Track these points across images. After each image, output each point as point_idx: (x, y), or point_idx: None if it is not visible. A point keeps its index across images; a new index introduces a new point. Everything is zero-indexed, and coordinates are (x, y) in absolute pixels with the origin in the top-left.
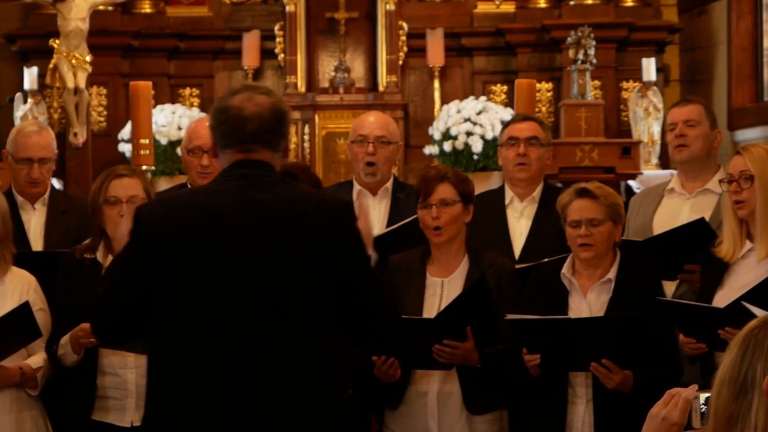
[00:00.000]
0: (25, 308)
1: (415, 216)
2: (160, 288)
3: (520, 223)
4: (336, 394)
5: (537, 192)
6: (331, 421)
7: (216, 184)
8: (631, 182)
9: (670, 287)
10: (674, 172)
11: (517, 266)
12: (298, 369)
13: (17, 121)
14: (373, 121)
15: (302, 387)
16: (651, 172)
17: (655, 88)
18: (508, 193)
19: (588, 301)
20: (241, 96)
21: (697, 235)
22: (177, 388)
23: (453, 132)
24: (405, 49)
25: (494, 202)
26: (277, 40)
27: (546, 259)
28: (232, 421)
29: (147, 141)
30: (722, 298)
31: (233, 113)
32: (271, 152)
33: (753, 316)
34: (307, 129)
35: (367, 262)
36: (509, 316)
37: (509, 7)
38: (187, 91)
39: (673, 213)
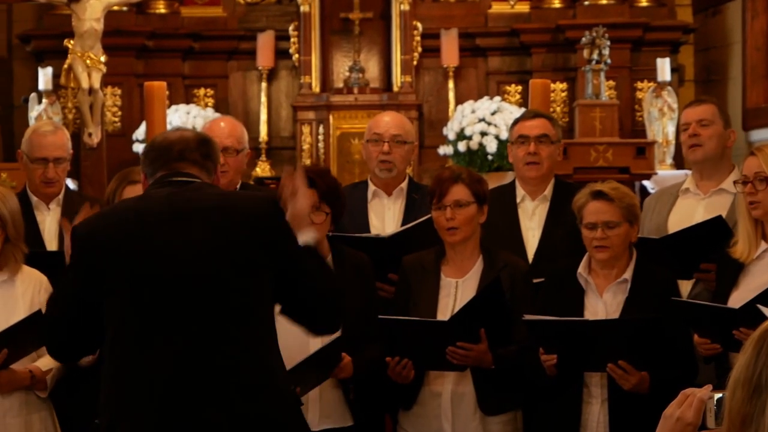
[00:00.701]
0: (37, 315)
1: (428, 216)
2: (103, 299)
3: (532, 223)
4: (280, 389)
5: (548, 190)
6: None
7: (144, 194)
8: (645, 182)
9: (686, 287)
10: (689, 172)
11: (535, 281)
12: (233, 367)
13: (32, 122)
14: (388, 121)
15: (242, 384)
16: (666, 173)
17: (669, 88)
18: (519, 191)
19: (604, 300)
20: (167, 132)
21: (714, 234)
22: (123, 392)
23: (467, 132)
24: (419, 49)
25: (505, 200)
26: (292, 40)
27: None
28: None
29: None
30: (737, 299)
31: (158, 142)
32: (198, 170)
33: (766, 318)
34: (321, 129)
35: (301, 254)
36: (526, 317)
37: (524, 8)
38: (202, 91)
39: (688, 213)
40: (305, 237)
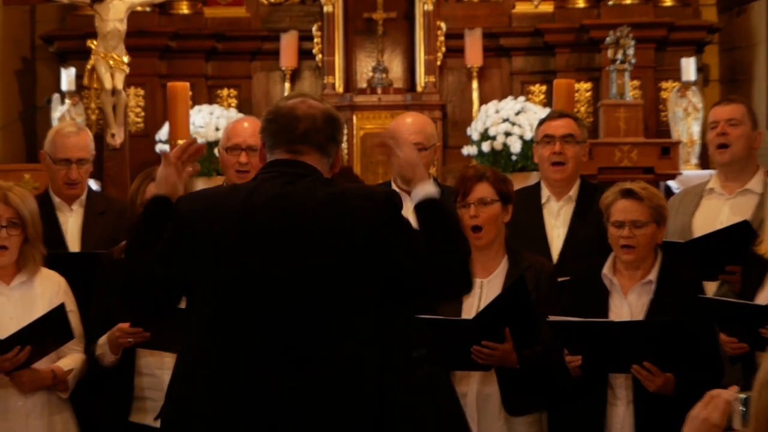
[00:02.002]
0: (59, 310)
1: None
2: (193, 280)
3: (557, 224)
4: (370, 395)
5: (574, 191)
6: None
7: (255, 182)
8: (670, 183)
9: (711, 288)
10: (713, 172)
11: (559, 279)
12: (330, 364)
13: (55, 123)
14: (410, 124)
15: (335, 387)
16: (691, 173)
17: (694, 88)
18: (545, 192)
19: (629, 301)
20: (294, 99)
21: (740, 238)
22: (199, 386)
23: (491, 132)
24: (443, 49)
25: (530, 201)
26: (315, 40)
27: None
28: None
29: (185, 142)
30: (764, 298)
31: (284, 112)
32: (320, 155)
33: None
34: (345, 130)
35: (416, 244)
36: (551, 318)
37: (548, 7)
38: (225, 91)
39: (713, 213)
40: (425, 189)
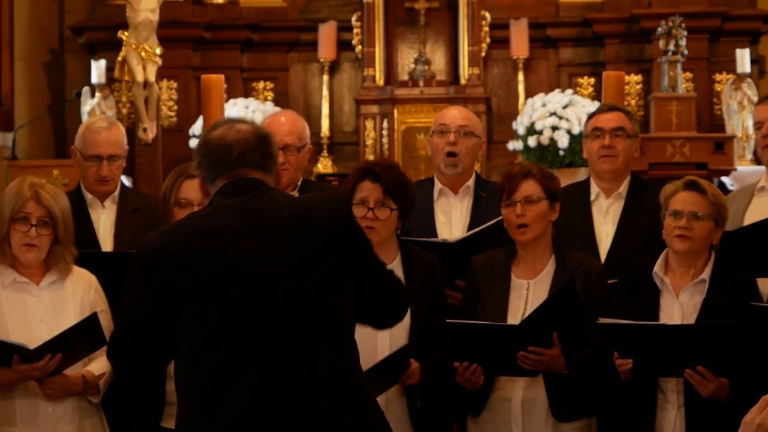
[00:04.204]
0: (92, 320)
1: (498, 219)
2: (175, 318)
3: (606, 222)
4: (369, 400)
5: (624, 187)
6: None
7: (213, 205)
8: (724, 179)
9: (765, 285)
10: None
11: (609, 282)
12: (324, 381)
13: (85, 117)
14: (455, 113)
15: (334, 398)
16: (745, 168)
17: (749, 80)
18: (594, 189)
19: (680, 301)
20: (221, 127)
21: None
22: (200, 403)
23: (538, 126)
24: (488, 40)
25: (579, 198)
26: (355, 31)
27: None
28: None
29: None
30: None
31: (215, 143)
32: (261, 173)
33: None
34: (385, 124)
35: (371, 252)
36: (601, 321)
37: None
38: (261, 84)
39: (765, 212)
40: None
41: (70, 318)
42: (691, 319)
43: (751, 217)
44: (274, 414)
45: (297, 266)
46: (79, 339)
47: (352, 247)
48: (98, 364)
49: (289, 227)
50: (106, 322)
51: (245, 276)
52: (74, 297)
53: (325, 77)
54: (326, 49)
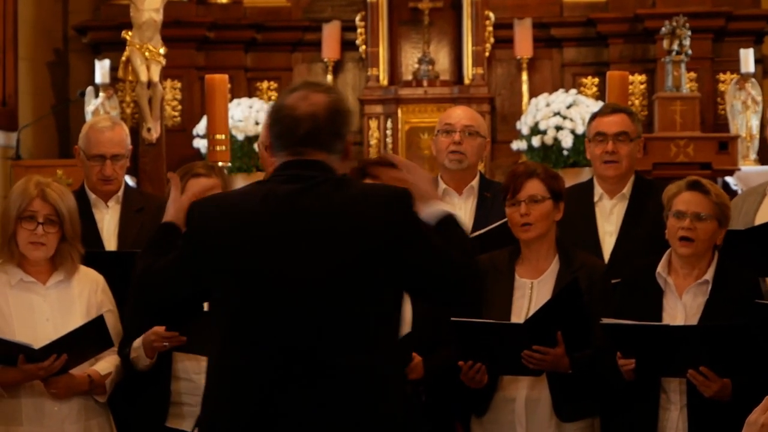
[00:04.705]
0: (99, 321)
1: (503, 220)
2: (210, 286)
3: (609, 222)
4: (396, 397)
5: (627, 188)
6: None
7: (269, 185)
8: (728, 179)
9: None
10: None
11: (612, 282)
12: (352, 373)
13: (88, 116)
14: (461, 113)
15: (358, 398)
16: (749, 168)
17: (753, 80)
18: (597, 190)
19: (683, 302)
20: (296, 95)
21: None
22: (225, 395)
23: (542, 126)
24: (491, 40)
25: (582, 198)
26: (359, 31)
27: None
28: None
29: (223, 136)
30: None
31: (285, 113)
32: (326, 154)
33: None
34: (389, 123)
35: (430, 243)
36: (604, 321)
37: None
38: (265, 84)
39: None
40: (434, 209)
41: (76, 318)
42: (694, 320)
43: (762, 217)
44: (298, 405)
45: (333, 273)
46: (85, 340)
47: (404, 248)
48: (104, 364)
49: (335, 230)
50: (112, 322)
51: (277, 272)
52: (81, 297)
53: (329, 77)
54: (330, 49)
